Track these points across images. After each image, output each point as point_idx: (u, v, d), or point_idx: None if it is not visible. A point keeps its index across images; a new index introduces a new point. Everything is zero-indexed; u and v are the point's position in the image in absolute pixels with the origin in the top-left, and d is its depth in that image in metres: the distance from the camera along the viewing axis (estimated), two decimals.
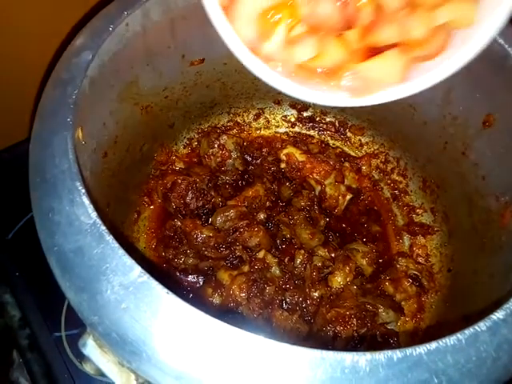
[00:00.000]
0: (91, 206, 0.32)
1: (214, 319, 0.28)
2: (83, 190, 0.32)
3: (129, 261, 0.30)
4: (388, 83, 0.35)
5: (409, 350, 0.28)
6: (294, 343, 0.29)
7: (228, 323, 0.29)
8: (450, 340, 0.29)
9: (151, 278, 0.30)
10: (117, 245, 0.31)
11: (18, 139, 0.76)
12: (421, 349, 0.29)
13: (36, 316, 0.65)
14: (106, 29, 0.41)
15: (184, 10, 0.51)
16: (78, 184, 0.33)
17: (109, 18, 0.42)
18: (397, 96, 0.36)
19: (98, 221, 0.31)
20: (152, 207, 0.66)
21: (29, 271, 0.67)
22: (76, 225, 0.32)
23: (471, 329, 0.30)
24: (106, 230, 0.31)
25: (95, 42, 0.40)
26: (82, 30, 0.42)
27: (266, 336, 0.29)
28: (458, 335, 0.29)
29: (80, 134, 0.42)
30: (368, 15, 0.31)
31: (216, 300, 0.56)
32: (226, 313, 0.55)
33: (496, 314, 0.31)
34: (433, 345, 0.29)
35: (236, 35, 0.32)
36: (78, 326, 0.62)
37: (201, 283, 0.60)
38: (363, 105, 0.36)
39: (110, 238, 0.31)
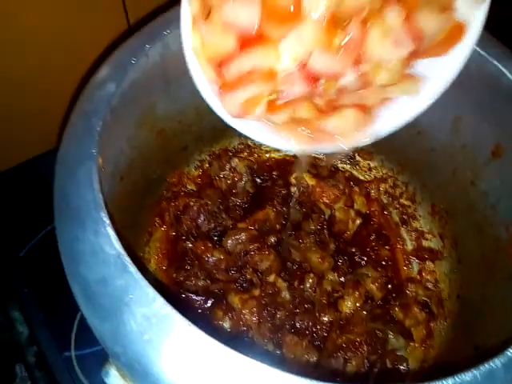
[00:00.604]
0: (115, 236, 0.33)
1: (240, 355, 0.28)
2: (107, 221, 0.33)
3: (151, 292, 0.31)
4: (347, 133, 0.43)
5: None
6: (305, 369, 0.30)
7: (240, 349, 0.29)
8: (466, 376, 0.30)
9: (173, 310, 0.31)
10: (140, 276, 0.32)
11: (27, 157, 0.77)
12: None
13: (45, 334, 0.65)
14: (128, 61, 0.42)
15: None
16: (103, 215, 0.34)
17: (131, 51, 0.43)
18: (356, 144, 0.43)
19: (122, 251, 0.32)
20: (163, 228, 0.67)
21: (39, 289, 0.67)
22: (100, 255, 0.32)
23: (486, 365, 0.30)
24: (130, 261, 0.32)
25: (119, 74, 0.41)
26: (104, 62, 0.43)
27: (281, 367, 0.29)
28: (474, 371, 0.30)
29: (100, 161, 0.43)
30: (333, 92, 0.39)
31: (226, 324, 0.57)
32: (236, 337, 0.56)
33: (511, 350, 0.31)
34: (449, 381, 0.29)
35: (224, 112, 0.41)
36: (88, 346, 0.63)
37: (211, 306, 0.61)
38: (325, 152, 0.46)
39: (133, 269, 0.32)
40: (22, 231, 0.72)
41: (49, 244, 0.71)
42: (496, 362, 0.30)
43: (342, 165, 0.74)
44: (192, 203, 0.65)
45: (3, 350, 0.70)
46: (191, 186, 0.71)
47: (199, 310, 0.61)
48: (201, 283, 0.61)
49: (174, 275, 0.62)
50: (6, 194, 0.75)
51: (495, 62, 0.47)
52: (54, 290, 0.66)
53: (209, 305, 0.61)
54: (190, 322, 0.30)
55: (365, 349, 0.52)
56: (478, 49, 0.46)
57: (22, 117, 0.69)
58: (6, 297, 0.68)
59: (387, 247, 0.66)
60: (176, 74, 0.54)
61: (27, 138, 0.73)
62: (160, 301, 0.31)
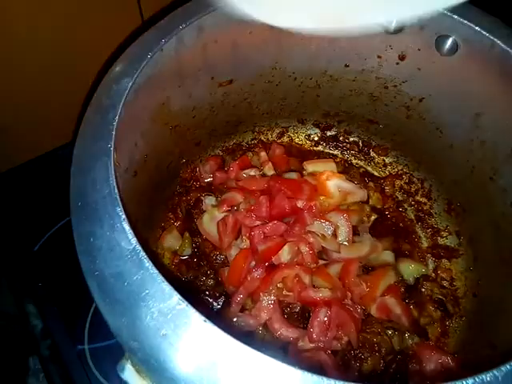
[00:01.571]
0: (131, 231, 0.33)
1: (255, 351, 0.28)
2: (123, 216, 0.33)
3: (167, 288, 0.31)
4: None
5: None
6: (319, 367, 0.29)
7: (252, 346, 0.29)
8: (487, 376, 0.29)
9: (189, 306, 0.30)
10: (156, 271, 0.32)
11: (41, 152, 0.78)
12: None
13: (58, 328, 0.66)
14: (144, 56, 0.42)
15: (216, 34, 0.52)
16: (119, 209, 0.34)
17: (146, 46, 0.43)
18: None
19: (138, 247, 0.32)
20: (176, 223, 0.67)
21: (53, 283, 0.68)
22: (116, 250, 0.32)
23: (507, 366, 0.30)
24: (146, 256, 0.32)
25: (134, 69, 0.41)
26: (119, 57, 0.43)
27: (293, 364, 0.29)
28: (495, 372, 0.29)
29: (115, 156, 0.43)
30: None
31: (238, 321, 0.56)
32: (248, 334, 0.55)
33: None
34: (469, 381, 0.29)
35: None
36: (101, 340, 0.63)
37: (221, 303, 0.60)
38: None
39: (149, 265, 0.32)
40: (36, 226, 0.72)
41: (62, 238, 0.72)
42: None
43: (356, 161, 0.73)
44: (203, 197, 0.65)
45: (17, 343, 0.70)
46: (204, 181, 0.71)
47: (210, 306, 0.60)
48: (210, 282, 0.60)
49: (185, 274, 0.62)
50: (19, 189, 0.76)
51: None
52: (68, 284, 0.66)
53: (220, 301, 0.60)
54: (205, 318, 0.30)
55: (383, 351, 0.51)
56: (501, 44, 0.45)
57: (39, 111, 0.70)
58: (20, 291, 0.68)
59: (407, 240, 0.65)
60: (190, 69, 0.54)
61: (41, 132, 0.74)
62: (176, 297, 0.31)
